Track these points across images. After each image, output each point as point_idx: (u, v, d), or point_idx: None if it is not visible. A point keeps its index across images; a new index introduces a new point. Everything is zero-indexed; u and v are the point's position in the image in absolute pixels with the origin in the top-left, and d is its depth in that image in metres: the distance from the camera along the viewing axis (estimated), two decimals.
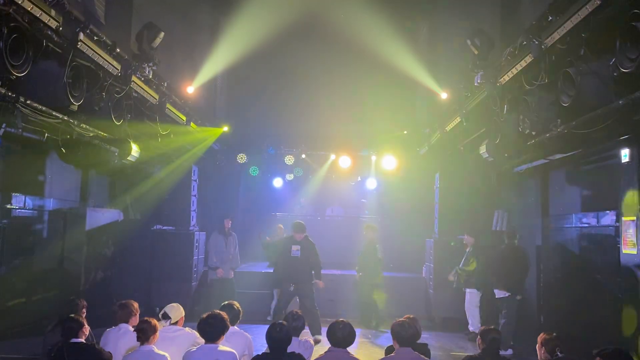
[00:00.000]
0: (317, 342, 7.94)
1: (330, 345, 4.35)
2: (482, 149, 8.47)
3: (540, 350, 4.50)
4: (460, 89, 8.68)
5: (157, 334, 4.46)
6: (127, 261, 10.56)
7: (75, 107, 6.31)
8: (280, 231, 11.65)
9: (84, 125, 6.94)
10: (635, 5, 4.23)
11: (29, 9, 4.81)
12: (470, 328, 9.44)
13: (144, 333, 4.32)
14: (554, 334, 4.54)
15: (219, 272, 9.96)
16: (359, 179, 15.14)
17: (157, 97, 8.21)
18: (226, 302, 5.31)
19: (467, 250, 9.72)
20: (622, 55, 4.46)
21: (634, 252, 6.90)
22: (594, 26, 4.78)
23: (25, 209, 8.70)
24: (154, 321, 4.45)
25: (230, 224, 10.31)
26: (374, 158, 13.74)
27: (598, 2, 4.47)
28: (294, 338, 4.61)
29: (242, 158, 13.28)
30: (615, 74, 4.72)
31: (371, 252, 10.30)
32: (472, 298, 9.45)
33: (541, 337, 4.56)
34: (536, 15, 5.88)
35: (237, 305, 5.31)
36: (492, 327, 4.88)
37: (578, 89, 5.26)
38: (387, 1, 13.09)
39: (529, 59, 5.98)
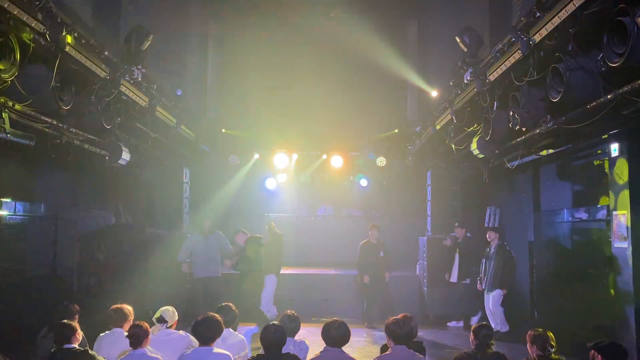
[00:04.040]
0: None
1: (325, 345, 4.36)
2: (473, 146, 8.49)
3: (531, 348, 4.50)
4: (450, 87, 8.70)
5: (150, 337, 4.45)
6: (119, 265, 10.49)
7: (64, 111, 6.27)
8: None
9: (74, 130, 6.89)
10: (621, 0, 4.25)
11: (15, 13, 4.77)
12: (496, 328, 9.17)
13: (137, 338, 4.30)
14: (541, 329, 4.55)
15: (184, 266, 9.95)
16: (351, 178, 15.14)
17: (146, 99, 8.16)
18: (223, 304, 5.30)
19: (492, 249, 9.51)
20: (610, 50, 4.48)
21: (625, 245, 6.96)
22: (581, 21, 4.80)
23: (16, 215, 8.64)
24: (146, 325, 4.44)
25: (208, 224, 10.11)
26: (371, 156, 13.74)
27: None
28: (289, 338, 4.61)
29: (234, 159, 13.24)
30: (603, 68, 4.74)
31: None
32: (498, 298, 9.36)
33: (530, 334, 4.56)
34: (524, 12, 5.91)
35: (234, 307, 5.30)
36: (485, 323, 4.90)
37: (567, 84, 5.27)
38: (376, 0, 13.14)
39: (517, 55, 6.00)
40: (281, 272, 10.95)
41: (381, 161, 13.30)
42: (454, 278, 10.40)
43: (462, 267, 10.34)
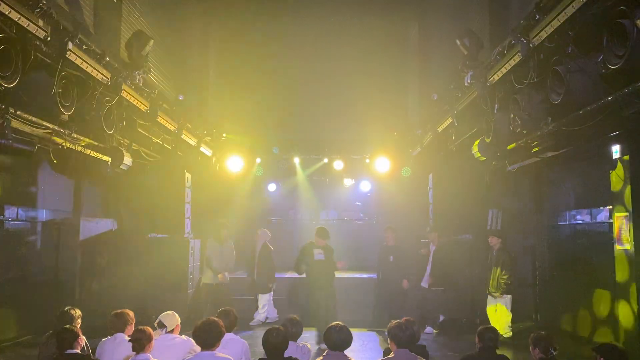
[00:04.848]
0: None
1: (327, 349, 4.36)
2: (475, 149, 8.50)
3: (534, 351, 4.48)
4: (451, 90, 8.71)
5: (153, 342, 4.44)
6: (121, 270, 10.51)
7: (65, 117, 6.30)
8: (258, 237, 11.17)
9: (75, 135, 6.91)
10: (621, 2, 4.26)
11: (17, 19, 4.79)
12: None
13: (139, 343, 4.30)
14: (543, 332, 4.54)
15: (220, 276, 10.04)
16: (353, 181, 15.15)
17: (148, 105, 8.19)
18: (222, 309, 5.30)
19: (494, 253, 9.36)
20: (610, 52, 4.49)
21: (628, 247, 6.95)
22: (581, 24, 4.81)
23: (18, 221, 8.65)
24: (149, 330, 4.43)
25: (225, 232, 10.35)
26: (367, 160, 13.74)
27: (584, 0, 4.50)
28: (291, 342, 4.61)
29: (235, 164, 13.20)
30: (603, 70, 4.75)
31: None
32: (506, 303, 9.17)
33: (532, 337, 4.54)
34: (524, 15, 5.92)
35: (234, 311, 5.31)
36: (489, 326, 4.89)
37: (567, 86, 5.28)
38: (377, 3, 13.14)
39: (517, 58, 6.01)
40: (285, 275, 11.07)
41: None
42: (424, 283, 10.05)
43: (434, 273, 9.95)
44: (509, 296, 9.09)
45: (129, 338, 4.45)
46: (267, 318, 10.47)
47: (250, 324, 10.25)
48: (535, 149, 7.69)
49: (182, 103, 10.08)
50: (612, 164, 7.27)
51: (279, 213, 14.95)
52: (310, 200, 15.15)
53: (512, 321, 9.21)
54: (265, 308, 10.49)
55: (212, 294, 9.91)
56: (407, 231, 13.06)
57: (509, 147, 7.95)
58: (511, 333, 9.09)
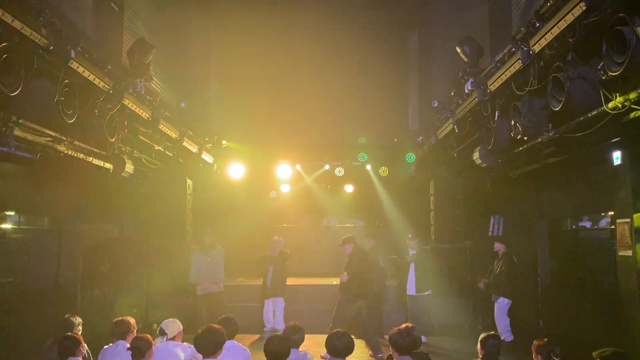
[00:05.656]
0: None
1: (329, 356, 4.35)
2: (475, 155, 8.51)
3: (536, 358, 4.49)
4: (451, 96, 8.73)
5: (152, 350, 4.44)
6: (123, 277, 10.50)
7: (68, 125, 6.31)
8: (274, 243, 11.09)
9: (77, 143, 6.93)
10: (620, 10, 4.28)
11: (20, 28, 4.82)
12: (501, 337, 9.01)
13: (139, 350, 4.30)
14: (546, 339, 4.53)
15: (198, 289, 9.72)
16: (353, 188, 15.16)
17: (149, 112, 8.20)
18: (224, 316, 5.31)
19: (499, 258, 9.45)
20: (609, 59, 4.50)
21: (630, 253, 6.93)
22: (581, 31, 4.83)
23: (20, 228, 8.66)
24: (149, 337, 4.44)
25: (209, 238, 9.99)
26: (368, 167, 13.76)
27: (583, 7, 4.53)
28: (293, 350, 4.61)
29: (236, 171, 13.21)
30: (603, 77, 4.76)
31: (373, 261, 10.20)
32: (503, 306, 9.28)
33: (534, 344, 4.55)
34: (524, 22, 5.94)
35: (235, 319, 5.31)
36: (492, 332, 4.88)
37: (568, 93, 5.30)
38: (377, 10, 13.20)
39: (517, 65, 6.02)
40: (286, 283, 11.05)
41: (384, 171, 13.33)
42: (411, 291, 9.90)
43: (420, 279, 9.87)
44: (505, 299, 9.17)
45: (129, 346, 4.45)
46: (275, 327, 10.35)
47: (265, 329, 10.21)
48: (536, 156, 7.70)
49: (183, 110, 10.10)
50: (613, 169, 7.27)
51: (279, 219, 14.94)
52: (311, 206, 15.15)
53: (515, 327, 9.21)
54: (269, 314, 10.38)
55: (208, 303, 9.77)
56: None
57: (509, 154, 7.96)
58: (512, 337, 9.11)
